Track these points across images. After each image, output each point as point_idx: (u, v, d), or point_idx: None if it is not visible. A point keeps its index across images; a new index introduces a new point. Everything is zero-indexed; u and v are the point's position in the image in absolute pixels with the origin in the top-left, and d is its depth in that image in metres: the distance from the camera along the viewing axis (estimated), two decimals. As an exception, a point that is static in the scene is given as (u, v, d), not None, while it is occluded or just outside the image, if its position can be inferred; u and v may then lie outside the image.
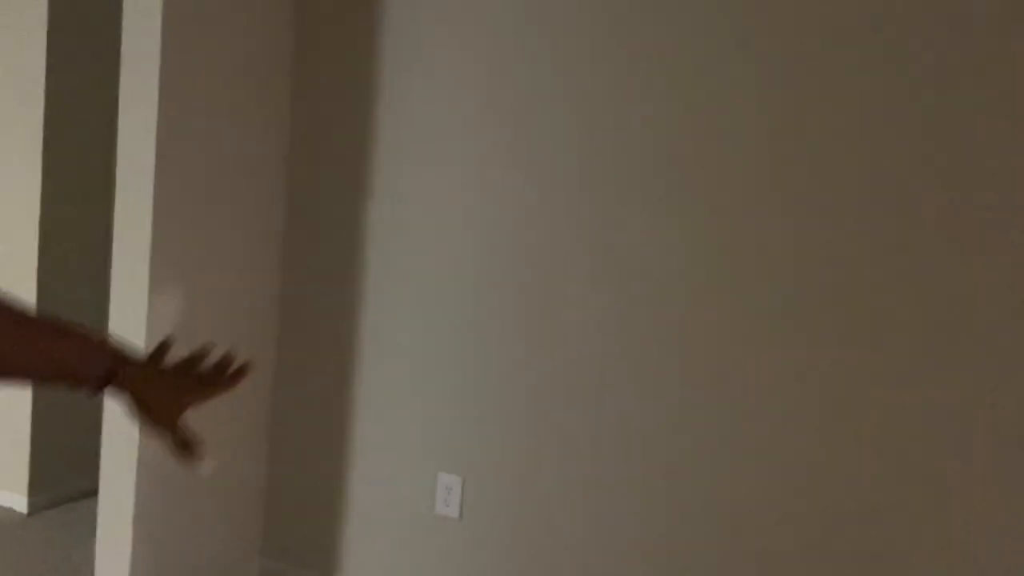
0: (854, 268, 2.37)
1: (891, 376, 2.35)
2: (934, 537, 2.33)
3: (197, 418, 2.71)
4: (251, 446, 3.02)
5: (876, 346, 2.36)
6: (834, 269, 2.39)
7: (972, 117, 2.25)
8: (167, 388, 0.99)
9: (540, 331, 2.68)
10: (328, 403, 2.98)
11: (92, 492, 3.60)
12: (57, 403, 3.53)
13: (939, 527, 2.32)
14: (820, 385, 2.42)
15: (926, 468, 2.33)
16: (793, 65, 2.40)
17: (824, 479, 2.43)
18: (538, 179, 2.66)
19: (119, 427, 2.61)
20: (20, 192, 3.43)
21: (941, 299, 2.30)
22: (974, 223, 2.27)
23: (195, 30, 2.60)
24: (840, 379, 2.40)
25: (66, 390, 1.00)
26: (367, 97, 2.87)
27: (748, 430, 2.48)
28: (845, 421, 2.40)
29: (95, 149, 3.57)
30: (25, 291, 3.45)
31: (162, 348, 1.05)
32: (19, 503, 3.51)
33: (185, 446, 1.00)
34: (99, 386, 0.96)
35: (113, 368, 0.95)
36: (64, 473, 3.62)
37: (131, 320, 2.56)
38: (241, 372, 1.04)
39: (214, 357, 1.11)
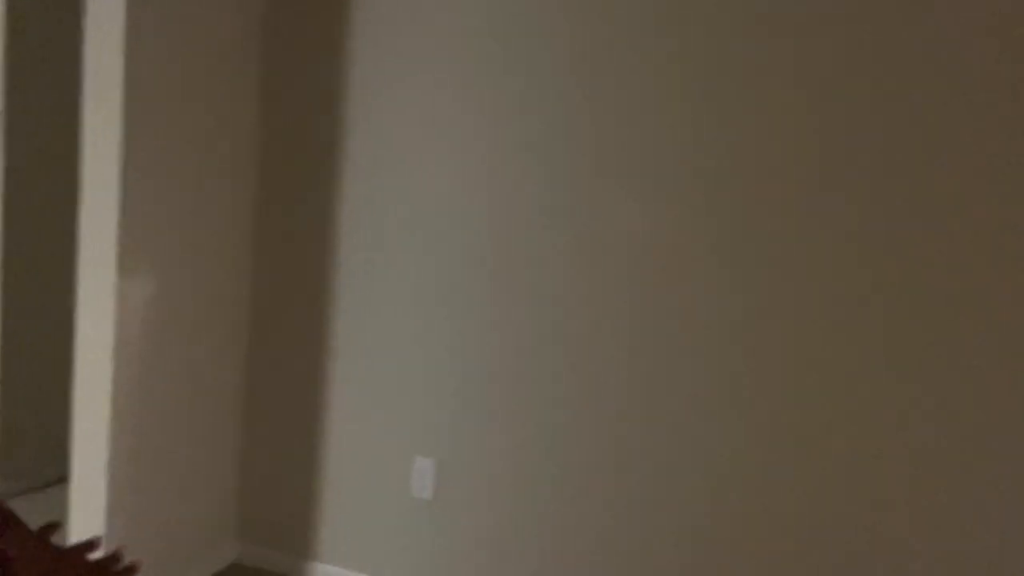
0: (832, 269, 2.40)
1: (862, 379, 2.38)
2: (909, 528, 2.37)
3: (173, 409, 2.69)
4: (225, 430, 3.00)
5: (851, 343, 2.39)
6: (816, 267, 2.41)
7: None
8: (48, 566, 0.92)
9: (514, 316, 2.68)
10: (303, 388, 2.96)
11: (61, 479, 3.56)
12: (25, 389, 3.48)
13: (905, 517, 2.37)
14: (786, 365, 2.44)
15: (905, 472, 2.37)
16: (754, 49, 2.41)
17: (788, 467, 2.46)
18: (510, 168, 2.66)
19: (89, 413, 2.58)
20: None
21: (905, 301, 2.33)
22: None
23: (164, 15, 2.55)
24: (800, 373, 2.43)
25: None
26: (338, 91, 2.84)
27: (720, 413, 2.51)
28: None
29: (59, 136, 3.51)
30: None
31: (51, 526, 0.99)
32: (-13, 491, 3.47)
33: None
34: None
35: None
36: (33, 460, 3.57)
37: (99, 313, 2.52)
38: (126, 571, 0.98)
39: (102, 551, 1.05)
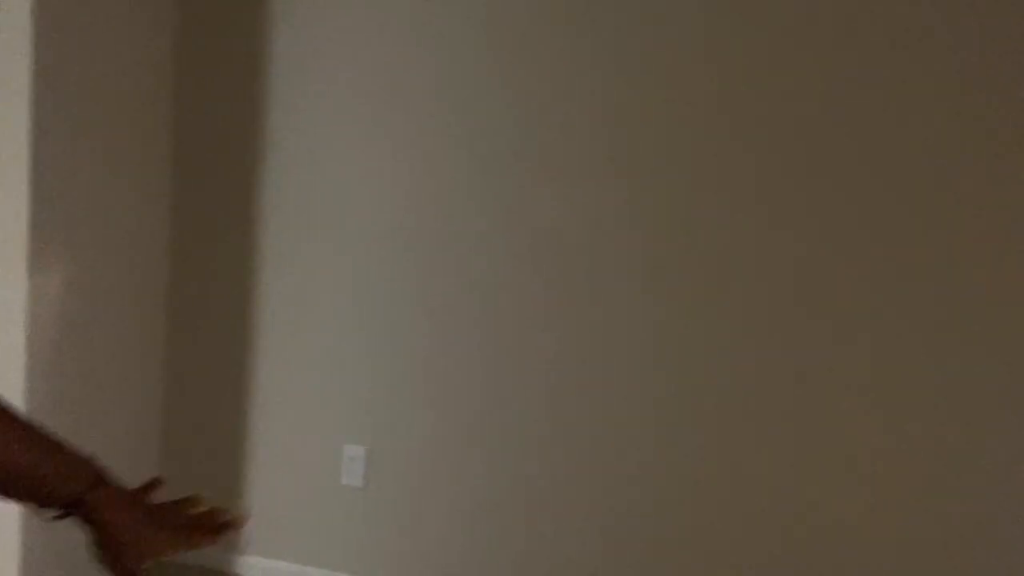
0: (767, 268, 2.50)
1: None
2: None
3: (87, 403, 2.62)
4: (144, 423, 2.93)
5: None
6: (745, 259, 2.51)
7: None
8: (143, 525, 0.87)
9: (442, 302, 2.71)
10: (226, 377, 2.92)
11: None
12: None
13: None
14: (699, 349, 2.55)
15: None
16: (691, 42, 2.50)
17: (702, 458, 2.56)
18: (437, 157, 2.68)
19: None
20: None
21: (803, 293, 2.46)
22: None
23: (73, 9, 2.48)
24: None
25: (28, 507, 0.88)
26: (257, 77, 2.80)
27: (641, 399, 2.59)
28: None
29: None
30: None
31: (152, 484, 0.95)
32: None
33: None
34: (68, 509, 0.86)
35: (84, 494, 0.85)
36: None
37: (9, 301, 2.44)
38: (229, 525, 0.93)
39: (202, 507, 0.95)
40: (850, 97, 2.41)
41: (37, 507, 0.85)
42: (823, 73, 2.43)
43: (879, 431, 2.46)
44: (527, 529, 2.70)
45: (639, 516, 2.62)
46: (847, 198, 2.44)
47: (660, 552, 2.61)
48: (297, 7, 2.75)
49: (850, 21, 2.40)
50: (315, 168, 2.78)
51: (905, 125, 2.39)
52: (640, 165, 2.55)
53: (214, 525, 0.91)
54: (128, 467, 2.86)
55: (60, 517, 0.86)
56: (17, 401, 2.46)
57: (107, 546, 0.86)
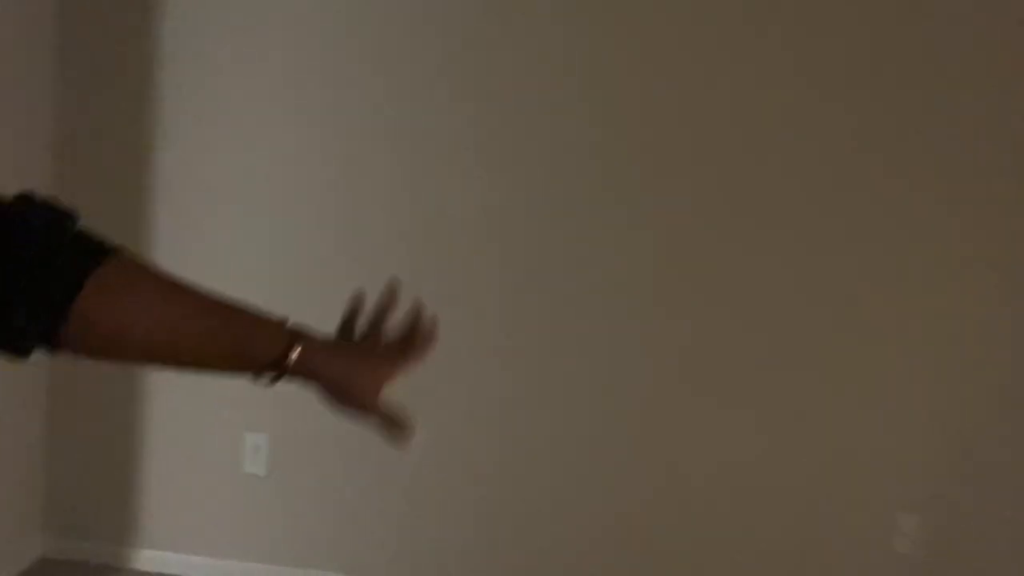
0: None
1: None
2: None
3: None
4: (25, 415, 2.79)
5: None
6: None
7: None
8: (361, 365, 0.88)
9: (346, 289, 2.69)
10: (120, 368, 2.81)
11: None
12: None
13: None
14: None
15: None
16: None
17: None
18: (352, 137, 2.66)
19: None
20: None
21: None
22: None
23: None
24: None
25: (235, 376, 0.84)
26: (145, 76, 2.69)
27: (542, 381, 2.67)
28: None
29: None
30: None
31: (351, 317, 0.94)
32: None
33: (393, 425, 0.90)
34: (276, 372, 0.83)
35: (286, 351, 0.82)
36: None
37: None
38: (429, 335, 0.93)
39: (396, 317, 0.95)
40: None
41: (243, 374, 0.83)
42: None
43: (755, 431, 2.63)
44: (433, 514, 2.74)
45: (533, 493, 2.70)
46: (775, 201, 2.59)
47: (562, 535, 2.70)
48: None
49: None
50: (210, 156, 2.70)
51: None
52: (557, 151, 2.61)
53: (418, 336, 0.92)
54: (11, 455, 2.72)
55: (274, 380, 0.84)
56: None
57: (335, 395, 0.87)
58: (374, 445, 2.71)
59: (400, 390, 2.49)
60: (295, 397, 2.72)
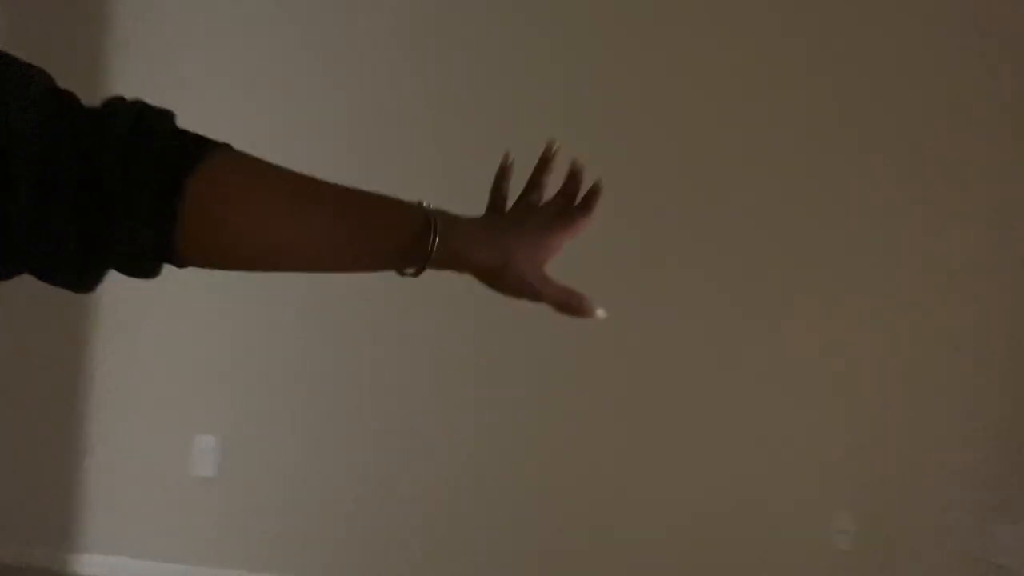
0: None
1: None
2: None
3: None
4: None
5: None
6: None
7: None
8: (514, 244, 0.76)
9: (295, 290, 2.71)
10: (59, 366, 2.78)
11: None
12: None
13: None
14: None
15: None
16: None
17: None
18: (287, 123, 2.68)
19: None
20: None
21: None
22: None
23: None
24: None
25: (377, 268, 0.74)
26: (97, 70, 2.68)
27: (472, 380, 2.72)
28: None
29: None
30: None
31: (500, 184, 0.81)
32: None
33: (567, 304, 0.78)
34: (417, 266, 0.73)
35: (425, 242, 0.71)
36: None
37: None
38: (594, 193, 0.79)
39: (550, 181, 0.78)
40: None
41: (381, 269, 0.73)
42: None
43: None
44: (384, 517, 2.75)
45: (484, 501, 2.74)
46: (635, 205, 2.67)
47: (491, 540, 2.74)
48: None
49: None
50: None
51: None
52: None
53: (577, 201, 0.79)
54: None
55: (417, 273, 0.74)
56: None
57: (491, 281, 0.76)
58: (327, 446, 2.73)
59: (358, 390, 2.35)
60: (247, 397, 2.73)
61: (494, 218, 0.79)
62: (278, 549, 2.76)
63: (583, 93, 2.66)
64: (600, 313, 0.78)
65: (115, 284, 2.49)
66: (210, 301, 2.72)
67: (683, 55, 2.67)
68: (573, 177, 0.80)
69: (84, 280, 0.67)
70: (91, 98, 0.63)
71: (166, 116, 0.66)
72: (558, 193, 0.80)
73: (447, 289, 2.69)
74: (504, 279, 0.76)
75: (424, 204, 0.74)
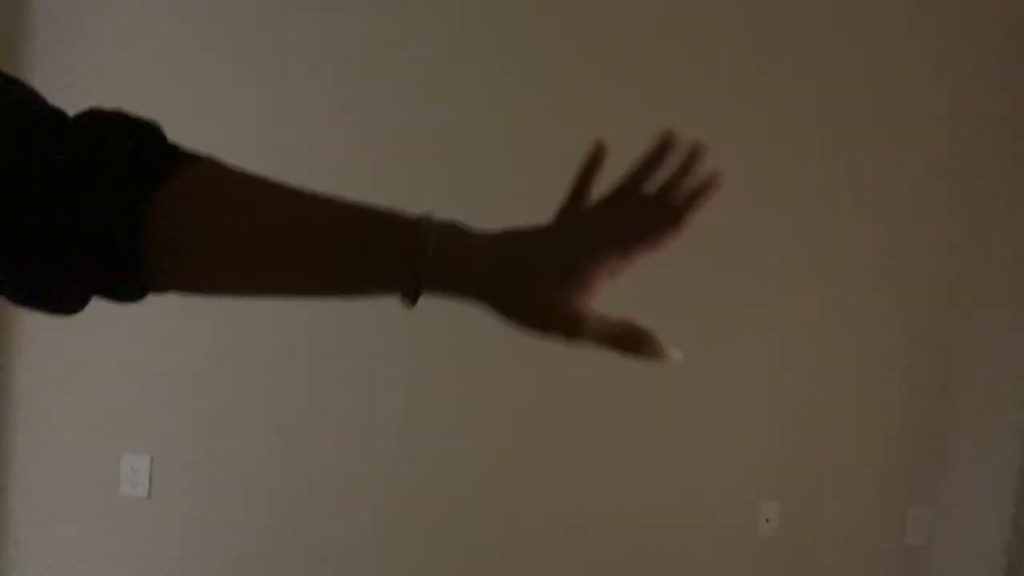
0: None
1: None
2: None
3: None
4: None
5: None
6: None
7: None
8: (545, 269, 0.57)
9: (227, 303, 2.62)
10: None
11: None
12: None
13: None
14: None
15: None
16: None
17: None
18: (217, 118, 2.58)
19: None
20: None
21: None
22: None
23: None
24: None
25: (368, 295, 0.60)
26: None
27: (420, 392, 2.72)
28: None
29: None
30: None
31: (581, 187, 0.61)
32: None
33: (626, 345, 0.62)
34: (410, 290, 0.60)
35: (415, 264, 0.57)
36: None
37: None
38: (701, 194, 0.60)
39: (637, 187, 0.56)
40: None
41: (371, 293, 0.60)
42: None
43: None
44: (324, 540, 2.72)
45: (419, 525, 2.75)
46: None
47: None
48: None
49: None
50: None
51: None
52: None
53: (670, 211, 0.58)
54: None
55: (412, 302, 0.60)
56: None
57: (507, 313, 0.59)
58: (265, 465, 2.67)
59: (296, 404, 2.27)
60: (180, 414, 2.63)
61: (537, 230, 0.61)
62: (213, 573, 2.69)
63: (566, 90, 2.67)
64: (676, 355, 0.62)
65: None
66: (139, 310, 2.60)
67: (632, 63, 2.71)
68: (688, 166, 0.60)
69: (57, 298, 0.63)
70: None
71: (139, 130, 0.60)
72: (660, 191, 0.61)
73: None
74: (515, 315, 0.59)
75: (430, 217, 0.60)
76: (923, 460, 2.94)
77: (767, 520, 2.88)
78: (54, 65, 2.52)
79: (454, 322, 2.71)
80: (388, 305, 2.44)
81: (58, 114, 0.61)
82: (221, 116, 2.58)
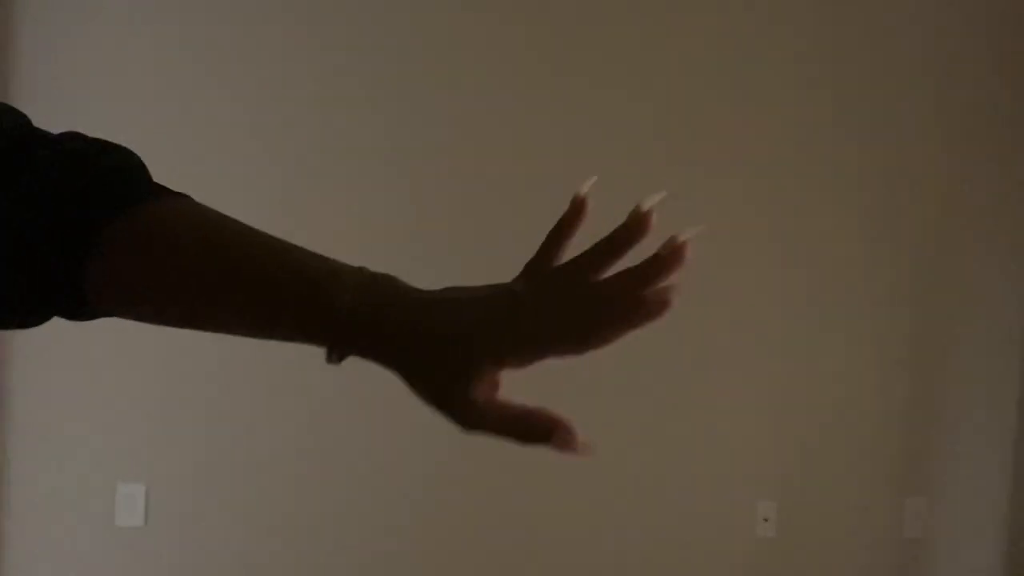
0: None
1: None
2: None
3: None
4: None
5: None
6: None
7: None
8: (458, 351, 0.53)
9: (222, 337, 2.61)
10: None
11: None
12: None
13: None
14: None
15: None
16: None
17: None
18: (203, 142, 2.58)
19: None
20: None
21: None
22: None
23: None
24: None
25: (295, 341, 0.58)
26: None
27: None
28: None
29: None
30: None
31: (550, 246, 0.56)
32: None
33: (524, 434, 0.56)
34: (336, 353, 0.58)
35: (336, 316, 0.55)
36: None
37: None
38: (664, 298, 0.53)
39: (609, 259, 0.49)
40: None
41: (285, 339, 0.59)
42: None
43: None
44: (324, 566, 2.70)
45: (431, 548, 2.74)
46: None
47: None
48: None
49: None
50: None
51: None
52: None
53: (641, 298, 0.52)
54: None
55: (337, 359, 0.58)
56: None
57: (412, 389, 0.55)
58: (262, 493, 2.65)
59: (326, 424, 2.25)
60: (175, 445, 2.62)
61: (443, 298, 0.56)
62: (215, 593, 2.67)
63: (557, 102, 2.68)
64: (589, 446, 0.56)
65: (29, 335, 2.32)
66: (135, 339, 2.59)
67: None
68: (672, 255, 0.54)
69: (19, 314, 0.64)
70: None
71: (104, 153, 0.62)
72: (634, 272, 0.54)
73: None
74: (420, 391, 0.56)
75: (361, 270, 0.58)
76: (919, 454, 2.96)
77: (765, 520, 2.89)
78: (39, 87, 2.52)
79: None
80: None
81: (36, 133, 0.63)
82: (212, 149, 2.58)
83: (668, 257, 0.54)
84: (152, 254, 0.60)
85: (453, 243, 2.67)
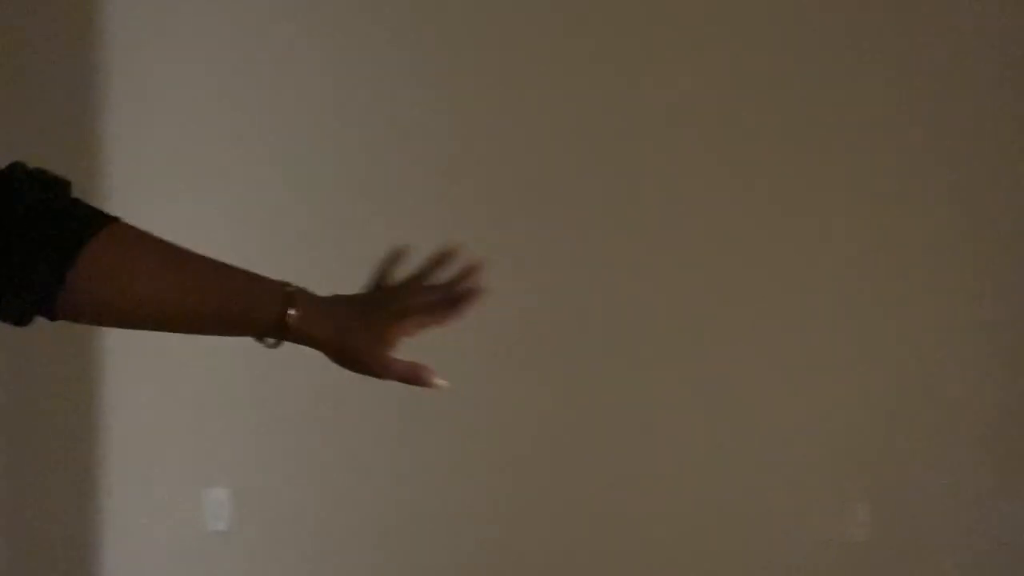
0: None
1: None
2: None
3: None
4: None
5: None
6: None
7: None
8: (358, 323, 0.82)
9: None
10: (69, 420, 2.67)
11: None
12: None
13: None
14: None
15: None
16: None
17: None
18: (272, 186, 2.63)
19: None
20: None
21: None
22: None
23: None
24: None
25: (237, 336, 0.84)
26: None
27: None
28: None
29: None
30: None
31: (380, 272, 0.86)
32: None
33: (412, 380, 0.85)
34: (275, 336, 0.82)
35: (283, 314, 0.79)
36: None
37: None
38: (470, 297, 0.84)
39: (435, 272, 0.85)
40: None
41: (244, 335, 0.83)
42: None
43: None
44: (410, 568, 2.70)
45: (522, 547, 2.72)
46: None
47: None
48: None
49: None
50: (162, 204, 2.62)
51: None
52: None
53: (450, 298, 0.84)
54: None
55: (276, 344, 0.83)
56: None
57: (336, 357, 0.84)
58: (344, 496, 2.67)
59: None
60: (256, 448, 2.66)
61: (343, 299, 0.85)
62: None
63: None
64: (440, 383, 0.86)
65: (122, 334, 2.40)
66: (218, 349, 2.64)
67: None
68: (463, 278, 0.84)
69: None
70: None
71: (66, 186, 0.74)
72: (444, 285, 0.85)
73: (460, 337, 2.67)
74: (342, 358, 0.83)
75: (288, 284, 0.82)
76: (1016, 449, 2.80)
77: (859, 524, 2.77)
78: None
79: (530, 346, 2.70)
80: (463, 341, 2.44)
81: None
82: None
83: (460, 274, 0.85)
84: (115, 283, 0.75)
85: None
